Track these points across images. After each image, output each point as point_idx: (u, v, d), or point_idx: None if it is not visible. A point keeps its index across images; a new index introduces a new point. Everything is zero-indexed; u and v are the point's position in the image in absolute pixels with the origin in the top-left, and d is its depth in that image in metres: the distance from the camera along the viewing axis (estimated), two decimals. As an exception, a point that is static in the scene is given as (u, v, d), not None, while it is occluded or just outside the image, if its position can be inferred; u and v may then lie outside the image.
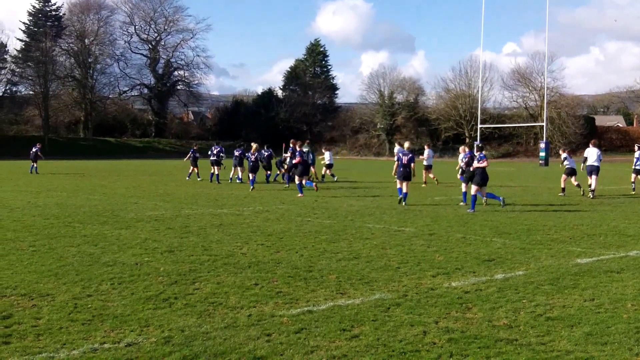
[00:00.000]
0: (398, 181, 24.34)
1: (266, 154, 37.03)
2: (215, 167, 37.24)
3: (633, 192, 30.75)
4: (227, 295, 10.03)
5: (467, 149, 25.93)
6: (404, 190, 24.19)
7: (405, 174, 24.22)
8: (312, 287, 10.60)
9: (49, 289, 10.32)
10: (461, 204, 24.62)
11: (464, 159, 25.34)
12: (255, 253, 13.77)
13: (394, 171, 24.87)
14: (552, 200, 26.75)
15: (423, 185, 35.49)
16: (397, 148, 34.82)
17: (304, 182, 28.84)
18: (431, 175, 36.66)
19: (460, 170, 25.77)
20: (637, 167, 31.15)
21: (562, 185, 30.10)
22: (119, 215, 20.42)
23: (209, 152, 38.10)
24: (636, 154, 31.38)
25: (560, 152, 31.70)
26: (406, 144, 26.45)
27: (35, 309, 9.17)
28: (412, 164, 24.48)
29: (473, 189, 22.80)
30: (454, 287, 10.60)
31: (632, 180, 31.44)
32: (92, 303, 9.51)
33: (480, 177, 22.87)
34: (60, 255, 13.29)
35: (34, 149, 48.45)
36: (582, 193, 29.16)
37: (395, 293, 10.20)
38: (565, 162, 29.90)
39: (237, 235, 16.25)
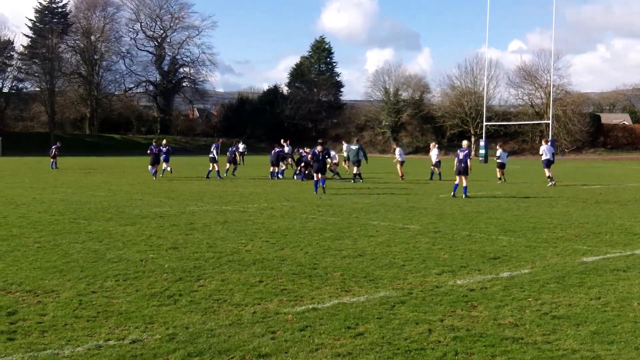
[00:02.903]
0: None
1: (277, 150, 40.69)
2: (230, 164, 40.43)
3: None
4: (232, 292, 10.01)
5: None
6: (464, 184, 26.76)
7: (461, 168, 26.70)
8: (316, 284, 10.58)
9: (54, 286, 10.32)
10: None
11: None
12: (260, 250, 13.76)
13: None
14: (558, 198, 26.68)
15: (402, 179, 38.37)
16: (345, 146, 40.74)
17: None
18: (399, 172, 39.47)
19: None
20: None
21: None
22: (124, 212, 20.42)
23: (229, 150, 41.03)
24: None
25: (498, 147, 38.86)
26: (464, 143, 28.95)
27: (40, 306, 9.16)
28: (468, 160, 26.78)
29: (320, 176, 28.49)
30: (459, 285, 10.57)
31: None
32: (96, 300, 9.50)
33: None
34: (65, 252, 13.29)
35: (53, 147, 51.54)
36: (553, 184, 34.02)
37: (400, 291, 10.17)
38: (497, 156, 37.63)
39: (241, 232, 16.24)
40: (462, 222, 18.61)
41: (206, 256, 12.99)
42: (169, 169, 40.04)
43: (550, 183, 34.21)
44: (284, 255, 13.23)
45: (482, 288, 10.38)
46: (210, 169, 38.90)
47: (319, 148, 29.69)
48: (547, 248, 14.29)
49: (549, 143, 37.48)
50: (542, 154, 35.80)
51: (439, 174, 38.64)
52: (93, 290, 10.04)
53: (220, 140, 42.33)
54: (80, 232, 15.99)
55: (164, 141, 41.93)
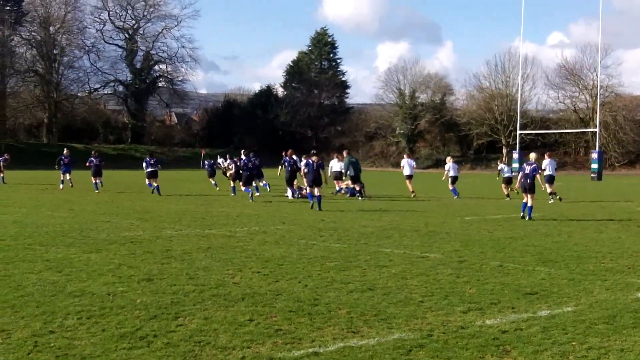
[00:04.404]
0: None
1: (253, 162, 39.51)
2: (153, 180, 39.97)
3: None
4: (217, 333, 9.99)
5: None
6: (529, 204, 27.24)
7: (527, 185, 27.35)
8: (318, 324, 10.56)
9: (5, 324, 10.29)
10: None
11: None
12: (250, 282, 13.75)
13: (517, 184, 28.34)
14: (608, 222, 26.65)
15: (412, 195, 39.05)
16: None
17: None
18: (409, 187, 40.17)
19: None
20: None
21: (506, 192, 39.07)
22: (89, 236, 20.42)
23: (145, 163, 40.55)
24: None
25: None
26: (532, 155, 29.48)
27: (-13, 349, 9.15)
28: (534, 174, 27.44)
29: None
30: (488, 326, 10.55)
31: None
32: (55, 341, 9.48)
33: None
34: (18, 284, 13.27)
35: (0, 159, 51.85)
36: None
37: (417, 332, 10.16)
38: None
39: (228, 261, 16.23)
40: (492, 251, 18.59)
41: (186, 289, 12.97)
42: (61, 182, 42.65)
43: (551, 200, 36.94)
44: (279, 288, 13.22)
45: (517, 329, 10.36)
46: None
47: (313, 158, 31.15)
48: (595, 281, 14.27)
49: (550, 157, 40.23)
50: (544, 169, 37.72)
51: (454, 190, 39.27)
52: (51, 330, 10.02)
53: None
54: (36, 261, 15.98)
55: (66, 151, 44.74)
